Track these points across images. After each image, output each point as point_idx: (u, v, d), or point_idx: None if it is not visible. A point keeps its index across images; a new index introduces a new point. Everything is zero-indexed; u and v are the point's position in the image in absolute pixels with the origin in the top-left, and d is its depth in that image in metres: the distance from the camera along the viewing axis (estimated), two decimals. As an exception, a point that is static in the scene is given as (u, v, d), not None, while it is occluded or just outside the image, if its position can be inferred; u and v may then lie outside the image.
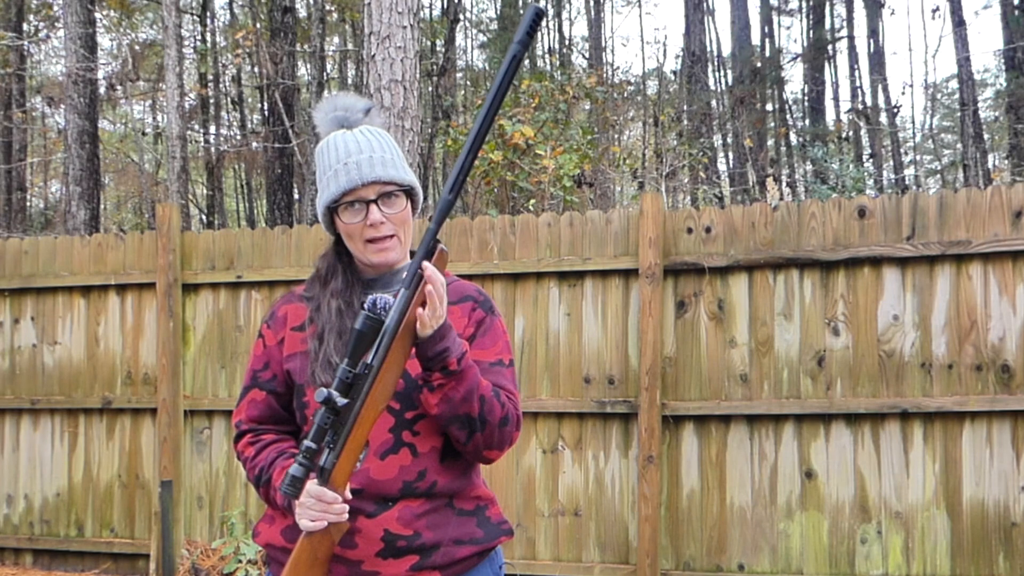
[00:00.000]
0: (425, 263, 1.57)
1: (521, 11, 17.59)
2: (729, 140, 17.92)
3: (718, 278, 4.57)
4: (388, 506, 1.68)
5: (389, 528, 1.67)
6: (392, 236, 1.73)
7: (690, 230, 4.62)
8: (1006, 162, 16.51)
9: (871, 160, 16.44)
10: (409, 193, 1.76)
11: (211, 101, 17.59)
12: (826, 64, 19.30)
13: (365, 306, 1.66)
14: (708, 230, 4.59)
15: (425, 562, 1.68)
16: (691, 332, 4.59)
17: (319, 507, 1.58)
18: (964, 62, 14.42)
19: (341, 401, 1.55)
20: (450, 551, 1.71)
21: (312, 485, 1.58)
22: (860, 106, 18.25)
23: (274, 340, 1.81)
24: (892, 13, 21.35)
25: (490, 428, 1.68)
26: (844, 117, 18.47)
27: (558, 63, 14.83)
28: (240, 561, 4.92)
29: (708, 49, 18.39)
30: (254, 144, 15.60)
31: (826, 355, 4.42)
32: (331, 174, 1.72)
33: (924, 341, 4.30)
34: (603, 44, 19.14)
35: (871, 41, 18.25)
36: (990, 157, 18.40)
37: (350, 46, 16.46)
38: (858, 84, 19.23)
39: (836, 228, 4.41)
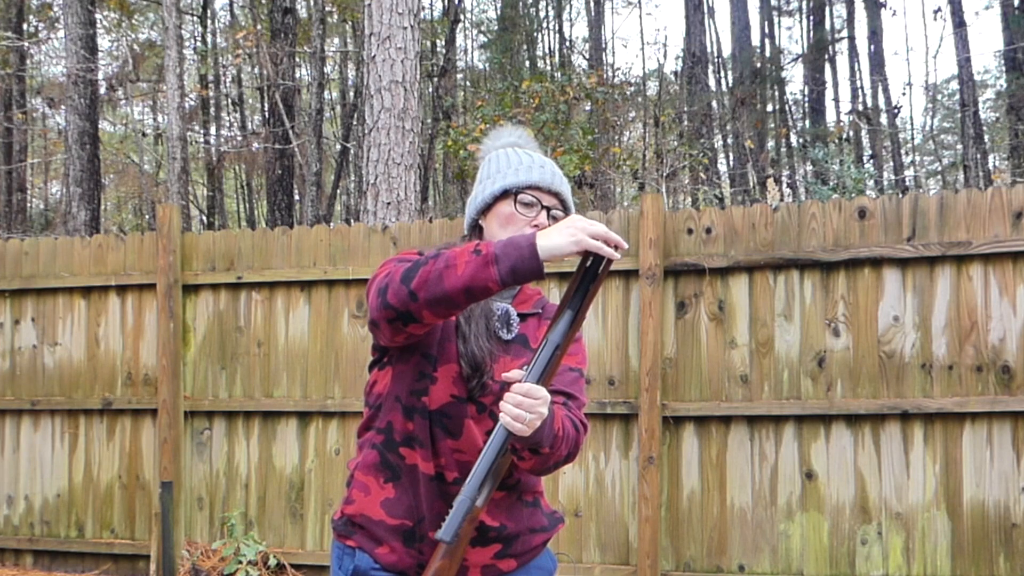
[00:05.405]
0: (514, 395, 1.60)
1: (522, 11, 17.58)
2: (729, 141, 17.92)
3: (718, 279, 4.57)
4: None
5: (482, 519, 1.78)
6: None
7: (690, 231, 4.61)
8: (1006, 163, 16.51)
9: (871, 161, 16.44)
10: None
11: (211, 102, 17.59)
12: (826, 65, 19.30)
13: (498, 312, 1.83)
14: (708, 231, 4.59)
15: (507, 551, 1.83)
16: (691, 333, 4.59)
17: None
18: (964, 63, 14.42)
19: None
20: (527, 540, 1.86)
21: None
22: (860, 107, 18.25)
23: None
24: (893, 14, 21.35)
25: (553, 463, 1.75)
26: (844, 118, 18.47)
27: (558, 64, 14.82)
28: (240, 562, 4.92)
29: (708, 50, 18.39)
30: (254, 145, 15.60)
31: (826, 356, 4.41)
32: (522, 167, 1.85)
33: (924, 342, 4.29)
34: (603, 45, 19.12)
35: (871, 42, 18.24)
36: (990, 158, 18.39)
37: (350, 47, 16.46)
38: (859, 85, 19.23)
39: (836, 229, 4.41)
